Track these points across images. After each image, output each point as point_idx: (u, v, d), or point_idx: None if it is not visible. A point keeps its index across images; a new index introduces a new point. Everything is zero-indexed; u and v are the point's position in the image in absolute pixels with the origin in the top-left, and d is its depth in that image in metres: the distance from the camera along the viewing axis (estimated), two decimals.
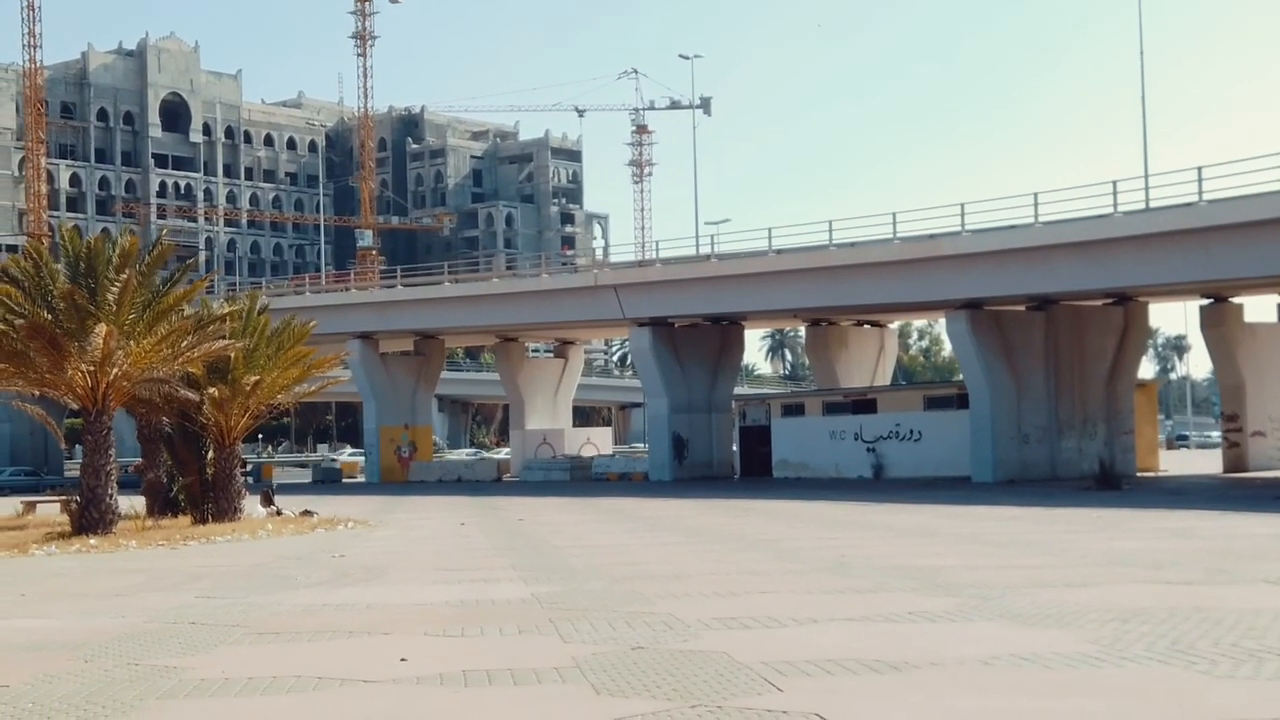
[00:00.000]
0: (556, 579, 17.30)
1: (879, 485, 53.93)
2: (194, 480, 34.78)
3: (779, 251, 58.90)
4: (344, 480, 79.17)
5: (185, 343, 29.50)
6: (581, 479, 67.75)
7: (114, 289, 28.26)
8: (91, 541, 26.85)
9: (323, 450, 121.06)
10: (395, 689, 9.36)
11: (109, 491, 29.36)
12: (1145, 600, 13.02)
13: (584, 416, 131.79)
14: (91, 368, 28.34)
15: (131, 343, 28.71)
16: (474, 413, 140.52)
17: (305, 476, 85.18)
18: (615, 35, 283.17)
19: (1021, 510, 33.42)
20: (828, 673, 9.51)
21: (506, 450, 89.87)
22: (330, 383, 39.84)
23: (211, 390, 32.98)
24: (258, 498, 39.28)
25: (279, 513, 37.09)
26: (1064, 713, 8.14)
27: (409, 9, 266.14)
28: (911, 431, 58.85)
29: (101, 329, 27.43)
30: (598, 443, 79.43)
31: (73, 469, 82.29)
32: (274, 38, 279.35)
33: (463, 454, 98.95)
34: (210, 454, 34.66)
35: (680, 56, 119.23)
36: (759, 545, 23.34)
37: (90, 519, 28.87)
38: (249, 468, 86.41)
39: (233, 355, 32.92)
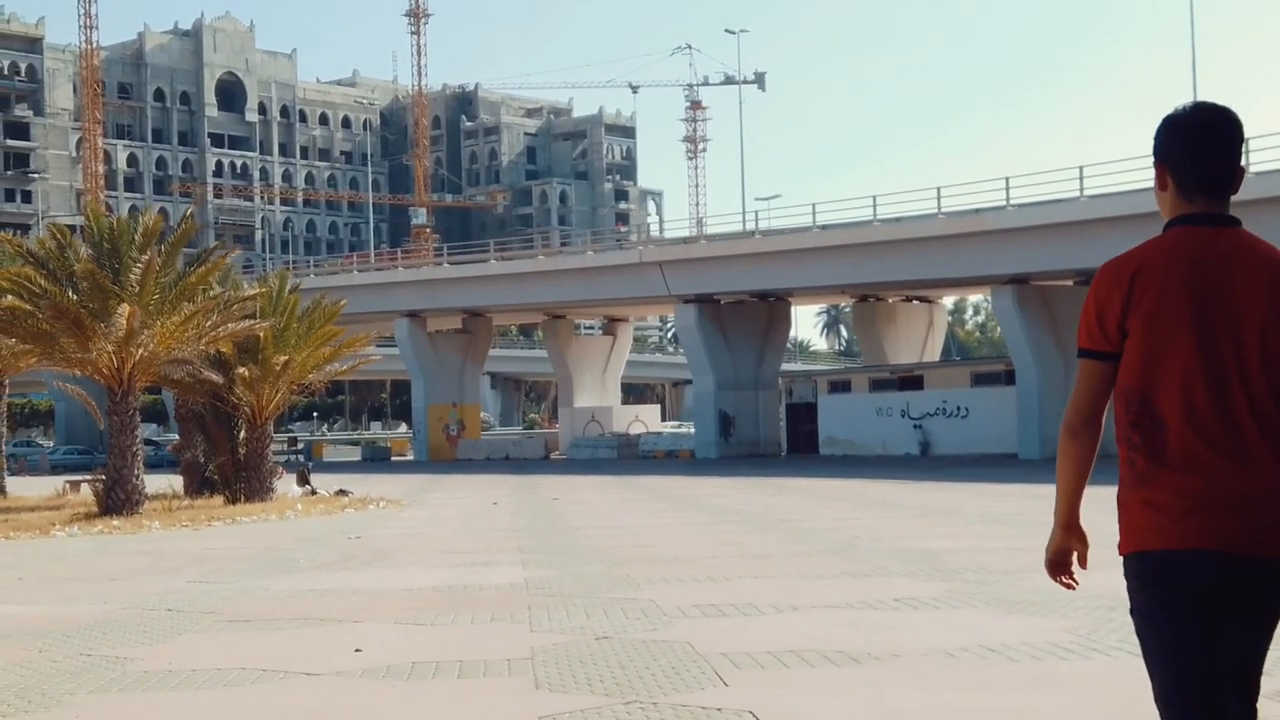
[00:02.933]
0: (557, 562, 17.05)
1: (925, 462, 53.43)
2: (226, 460, 34.76)
3: (823, 228, 58.43)
4: (393, 459, 79.35)
5: (210, 322, 29.45)
6: (628, 456, 67.53)
7: (137, 269, 28.21)
8: (115, 523, 26.84)
9: (375, 428, 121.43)
10: (335, 682, 9.12)
11: (135, 472, 29.36)
12: None
13: (637, 393, 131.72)
14: (115, 348, 28.34)
15: (157, 323, 28.70)
16: (527, 390, 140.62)
17: (356, 454, 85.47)
18: (670, 11, 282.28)
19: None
20: (783, 665, 9.19)
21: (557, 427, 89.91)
22: (362, 362, 39.69)
23: (241, 370, 32.94)
24: (293, 476, 39.34)
25: (314, 492, 37.08)
26: (1010, 711, 7.79)
27: None
28: (959, 408, 58.31)
29: (124, 309, 27.39)
30: (646, 420, 79.19)
31: None
32: (328, 17, 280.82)
33: (512, 432, 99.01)
34: (242, 434, 34.67)
35: (727, 31, 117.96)
36: (778, 526, 23.01)
37: (117, 499, 28.88)
38: (300, 445, 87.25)
39: (262, 335, 32.88)
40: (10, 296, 28.76)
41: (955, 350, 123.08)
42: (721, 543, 19.73)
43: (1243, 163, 4.00)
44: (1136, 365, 3.89)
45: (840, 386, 64.76)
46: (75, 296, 28.38)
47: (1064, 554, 4.13)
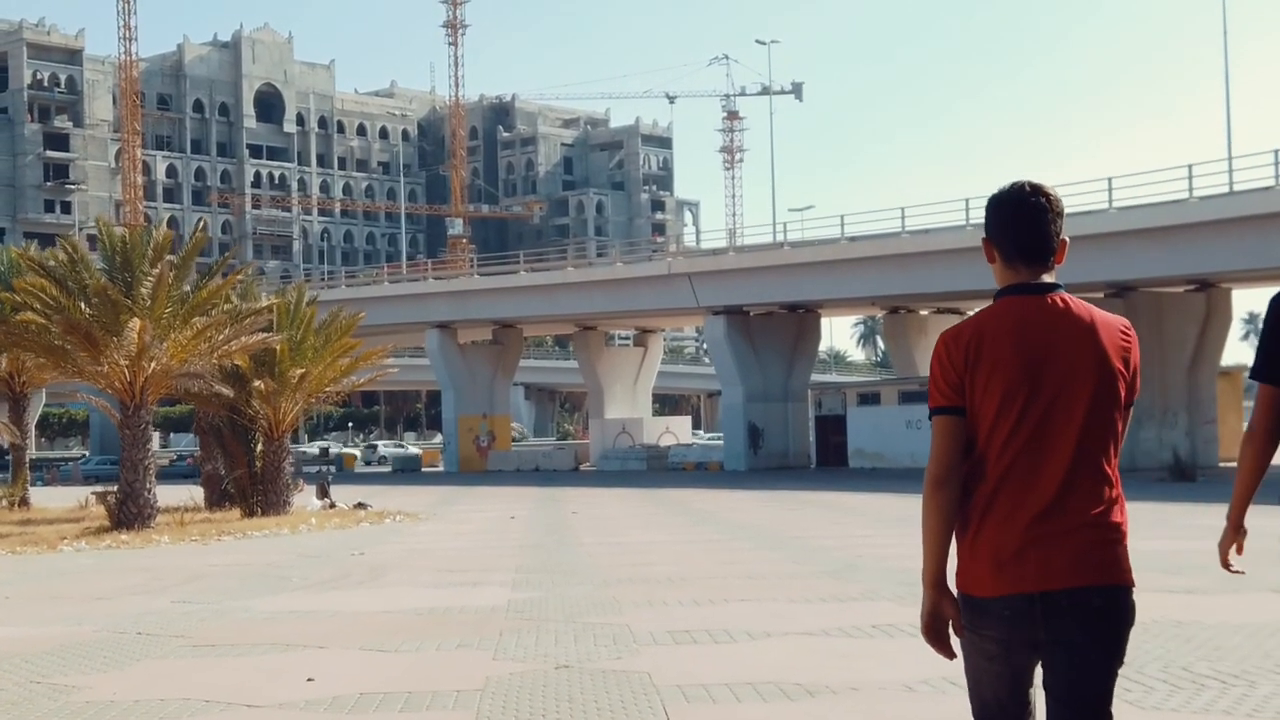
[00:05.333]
0: (549, 583, 16.83)
1: None
2: (243, 473, 34.71)
3: (852, 239, 58.12)
4: (424, 469, 79.28)
5: (222, 336, 29.37)
6: (658, 468, 67.29)
7: (148, 282, 28.18)
8: (124, 537, 26.79)
9: (410, 438, 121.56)
10: (278, 714, 8.92)
11: (147, 486, 29.30)
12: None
13: (671, 404, 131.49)
14: (128, 362, 28.30)
15: (169, 336, 28.64)
16: (562, 400, 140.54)
17: (388, 465, 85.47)
18: (707, 21, 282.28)
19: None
20: (736, 699, 8.94)
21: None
22: (380, 374, 39.59)
23: (257, 383, 32.88)
24: (314, 489, 39.26)
25: (333, 505, 37.00)
26: None
27: None
28: None
29: (135, 323, 27.36)
30: (676, 432, 78.89)
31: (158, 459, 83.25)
32: (366, 28, 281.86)
33: (542, 443, 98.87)
34: (259, 447, 34.59)
35: (758, 42, 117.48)
36: (787, 544, 22.73)
37: (128, 513, 28.83)
38: (331, 457, 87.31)
39: (278, 348, 32.80)
40: (24, 311, 28.82)
41: None
42: (723, 561, 19.49)
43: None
44: (975, 423, 4.17)
45: (869, 398, 64.36)
46: (88, 310, 28.35)
47: (939, 618, 4.20)
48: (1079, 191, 51.50)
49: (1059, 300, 4.22)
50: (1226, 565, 4.82)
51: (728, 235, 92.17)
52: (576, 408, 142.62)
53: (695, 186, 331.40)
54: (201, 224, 35.24)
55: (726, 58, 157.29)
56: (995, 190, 4.36)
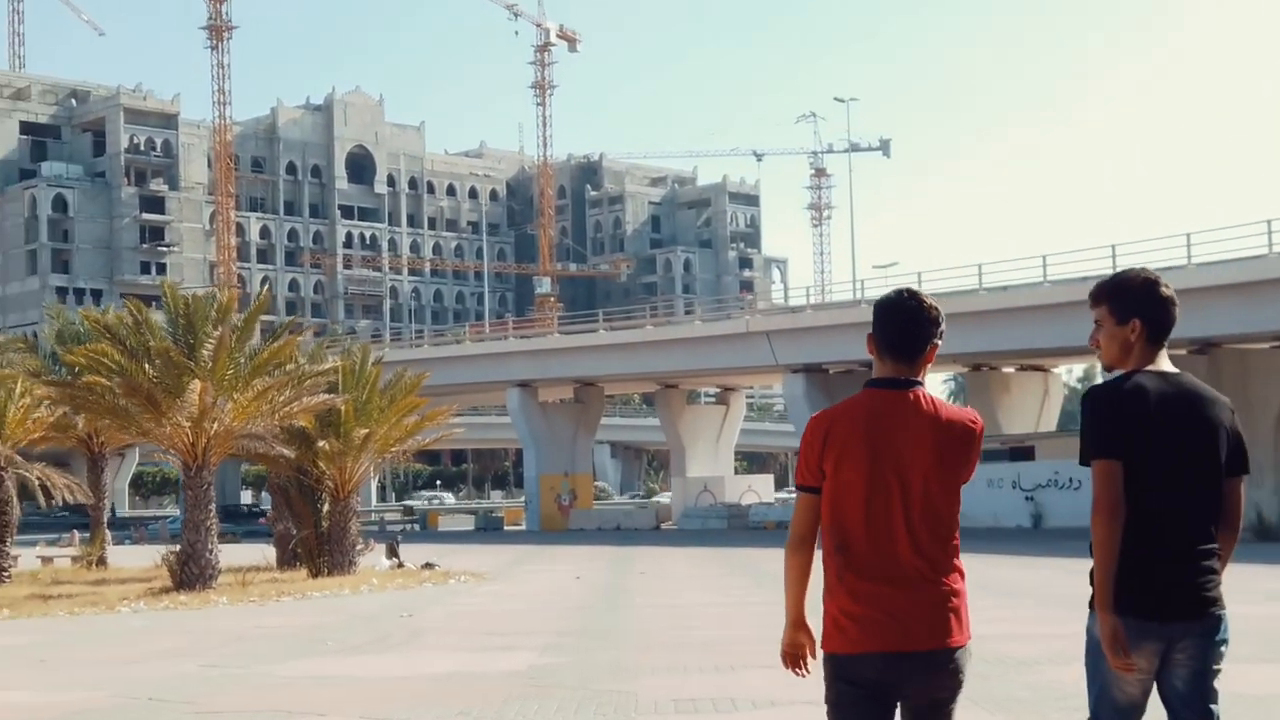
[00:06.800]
0: (580, 647, 16.70)
1: (1036, 535, 52.23)
2: (309, 533, 34.87)
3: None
4: (506, 528, 79.37)
5: (283, 397, 29.58)
6: (738, 527, 66.90)
7: (209, 344, 28.47)
8: (182, 598, 26.95)
9: (497, 497, 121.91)
10: None
11: (209, 547, 29.49)
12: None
13: (759, 462, 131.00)
14: (190, 424, 28.56)
15: (230, 398, 28.89)
16: (649, 458, 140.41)
17: (471, 524, 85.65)
18: (795, 78, 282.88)
19: None
20: None
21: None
22: (447, 435, 39.72)
23: (322, 444, 33.08)
24: (384, 548, 39.35)
25: (401, 565, 37.06)
26: None
27: (587, 58, 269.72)
28: (1071, 479, 56.96)
29: (196, 385, 27.63)
30: (759, 490, 78.39)
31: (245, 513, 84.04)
32: (456, 90, 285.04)
33: (624, 501, 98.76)
34: (325, 507, 34.74)
35: (836, 99, 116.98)
36: None
37: (190, 574, 29.02)
38: (415, 515, 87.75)
39: (343, 408, 32.99)
40: (89, 374, 29.20)
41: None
42: (765, 625, 19.12)
43: (938, 341, 4.93)
44: (830, 500, 4.85)
45: None
46: (152, 372, 28.65)
47: (797, 646, 5.00)
48: (1159, 247, 50.93)
49: (913, 395, 4.86)
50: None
51: (805, 293, 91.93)
52: (663, 466, 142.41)
53: (783, 243, 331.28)
54: (265, 289, 35.52)
55: (814, 115, 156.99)
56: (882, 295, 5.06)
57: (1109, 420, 4.99)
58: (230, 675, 14.78)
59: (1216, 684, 4.99)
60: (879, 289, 63.45)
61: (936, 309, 4.92)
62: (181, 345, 28.93)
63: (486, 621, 21.22)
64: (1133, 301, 5.11)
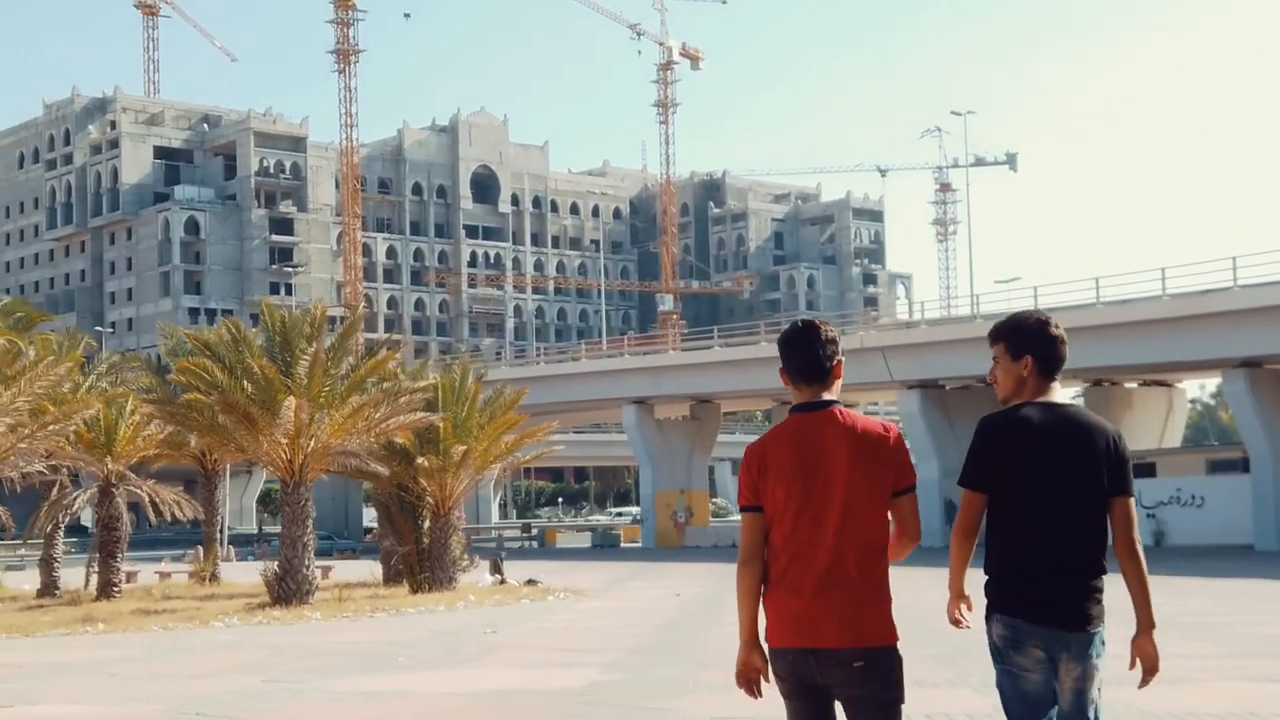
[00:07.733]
0: (644, 664, 16.52)
1: (1157, 553, 50.89)
2: (411, 549, 35.03)
3: (1046, 310, 56.71)
4: (622, 545, 79.28)
5: (379, 414, 29.71)
6: None
7: (304, 361, 28.70)
8: (275, 613, 27.15)
9: (614, 513, 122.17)
10: None
11: (305, 562, 29.70)
12: (1220, 704, 11.67)
13: None
14: (287, 441, 28.81)
15: (326, 415, 29.09)
16: None
17: (589, 541, 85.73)
18: (919, 93, 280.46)
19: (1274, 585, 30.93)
20: None
21: None
22: (547, 453, 39.70)
23: (421, 460, 33.19)
24: (488, 564, 39.43)
25: (503, 581, 37.10)
26: None
27: (709, 75, 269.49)
28: (1193, 497, 55.73)
29: (291, 402, 27.83)
30: None
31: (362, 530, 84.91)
32: (579, 109, 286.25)
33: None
34: (426, 523, 34.88)
35: (953, 113, 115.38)
36: (913, 622, 21.94)
37: (286, 589, 29.23)
38: (534, 533, 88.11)
39: (442, 425, 33.09)
40: (191, 392, 29.59)
41: (1215, 436, 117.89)
42: None
43: (840, 358, 5.34)
44: (769, 517, 5.22)
45: None
46: (249, 388, 28.94)
47: (750, 667, 5.20)
48: (1203, 270, 50.54)
49: (831, 414, 5.26)
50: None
51: (920, 308, 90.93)
52: None
53: (908, 259, 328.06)
54: (360, 306, 35.79)
55: (939, 130, 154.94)
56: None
57: (984, 457, 5.46)
58: (287, 690, 14.78)
59: (1096, 694, 5.36)
60: (998, 304, 62.62)
61: (832, 331, 5.35)
62: (278, 362, 29.20)
63: (566, 638, 21.11)
64: (1025, 340, 5.55)
